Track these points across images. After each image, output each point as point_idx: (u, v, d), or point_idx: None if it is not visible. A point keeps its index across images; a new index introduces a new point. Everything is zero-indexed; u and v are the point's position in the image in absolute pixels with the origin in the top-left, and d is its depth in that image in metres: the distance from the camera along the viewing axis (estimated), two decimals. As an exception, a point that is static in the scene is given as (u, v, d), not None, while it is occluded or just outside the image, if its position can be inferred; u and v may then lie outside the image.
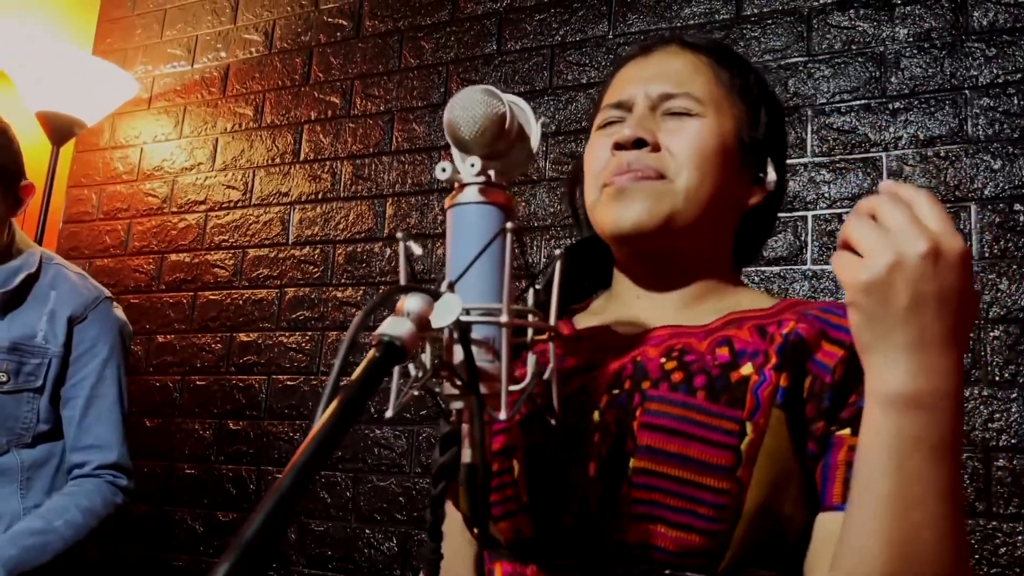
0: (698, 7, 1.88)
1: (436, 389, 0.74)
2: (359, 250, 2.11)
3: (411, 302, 0.68)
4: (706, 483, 0.72)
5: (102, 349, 1.60)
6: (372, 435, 1.98)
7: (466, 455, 0.74)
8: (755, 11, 1.82)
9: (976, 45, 1.63)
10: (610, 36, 1.96)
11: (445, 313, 0.67)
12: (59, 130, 2.30)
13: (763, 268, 1.69)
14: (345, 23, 2.30)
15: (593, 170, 0.88)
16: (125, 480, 1.58)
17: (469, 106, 0.77)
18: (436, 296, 0.69)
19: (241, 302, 2.23)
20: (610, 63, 1.94)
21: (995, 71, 1.60)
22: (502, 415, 0.70)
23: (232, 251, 2.28)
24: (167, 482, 2.18)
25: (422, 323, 0.67)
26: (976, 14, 1.64)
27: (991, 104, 1.59)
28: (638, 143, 0.83)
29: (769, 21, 1.81)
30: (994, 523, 1.45)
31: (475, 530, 0.87)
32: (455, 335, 0.69)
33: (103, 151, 2.56)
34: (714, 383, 0.76)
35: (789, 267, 1.67)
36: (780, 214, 1.67)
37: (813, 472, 0.74)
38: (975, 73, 1.62)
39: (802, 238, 1.68)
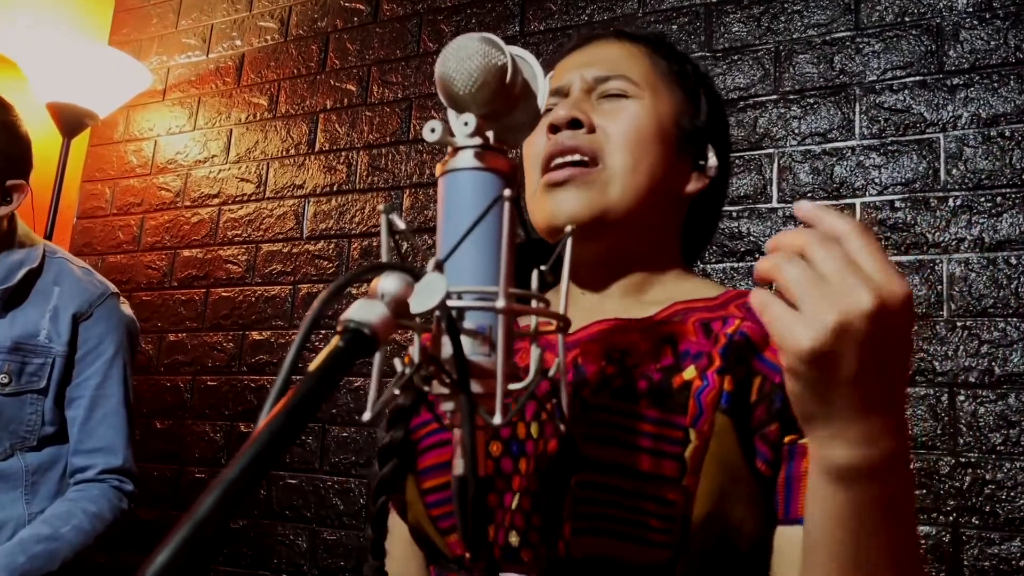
0: (735, -19, 1.75)
1: (425, 388, 0.63)
2: (375, 244, 2.01)
3: (387, 282, 0.57)
4: (652, 493, 0.69)
5: (108, 347, 1.52)
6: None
7: (456, 466, 0.64)
8: (797, -17, 1.69)
9: (1045, 13, 1.48)
10: (640, 14, 1.83)
11: (427, 296, 0.56)
12: (70, 122, 2.23)
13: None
14: (362, 7, 2.20)
15: (533, 155, 0.85)
16: (131, 485, 1.51)
17: (464, 57, 0.65)
18: (418, 276, 0.57)
19: (254, 299, 2.14)
20: (640, 43, 1.82)
21: (1067, 41, 1.45)
22: (496, 419, 0.58)
23: (245, 246, 2.19)
24: (177, 486, 2.10)
25: (400, 308, 0.56)
26: (1045, -20, 1.49)
27: (1063, 78, 1.44)
28: (573, 123, 0.81)
29: (813, -7, 1.67)
30: (1070, 543, 1.30)
31: (466, 554, 0.77)
32: (443, 324, 0.58)
33: (117, 144, 2.49)
34: (656, 388, 0.73)
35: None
36: (828, 201, 1.53)
37: (767, 477, 0.70)
38: (1044, 44, 1.47)
39: (850, 227, 1.54)
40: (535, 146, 0.85)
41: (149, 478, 2.07)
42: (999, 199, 1.45)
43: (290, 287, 2.10)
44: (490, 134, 0.65)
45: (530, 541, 0.72)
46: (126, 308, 1.58)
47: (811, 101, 1.62)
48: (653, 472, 0.69)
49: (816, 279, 0.53)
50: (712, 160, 0.88)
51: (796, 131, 1.62)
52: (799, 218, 0.56)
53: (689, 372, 0.73)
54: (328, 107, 2.17)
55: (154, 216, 2.36)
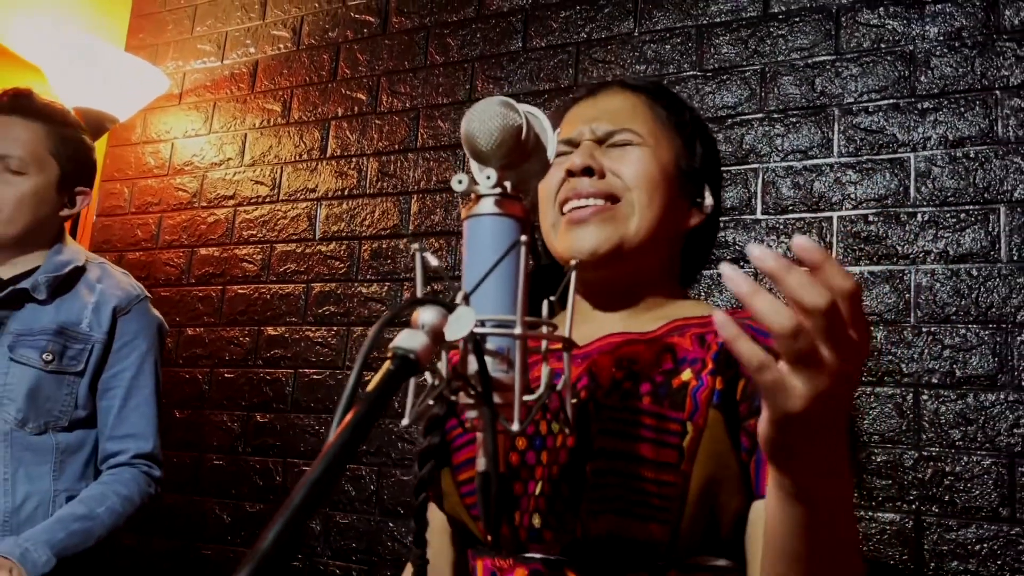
0: (724, 4, 1.87)
1: (451, 398, 0.75)
2: (384, 246, 2.14)
3: (426, 315, 0.69)
4: (655, 477, 0.81)
5: (142, 343, 1.65)
6: (396, 430, 2.00)
7: (479, 463, 0.76)
8: (782, 8, 1.81)
9: (1008, 44, 1.60)
10: (636, 34, 1.95)
11: (459, 326, 0.69)
12: (92, 125, 2.34)
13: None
14: (372, 19, 2.31)
15: (548, 194, 0.98)
16: (158, 471, 1.63)
17: (486, 118, 0.78)
18: (451, 308, 0.70)
19: (269, 296, 2.26)
20: (635, 61, 1.94)
21: (1027, 71, 1.57)
22: (515, 426, 0.71)
23: (260, 246, 2.31)
24: (196, 473, 2.22)
25: (437, 336, 0.69)
26: (1008, 12, 1.61)
27: (1022, 105, 1.57)
28: (587, 170, 0.93)
29: (796, 19, 1.79)
30: (1018, 529, 1.44)
31: (488, 537, 0.90)
32: (470, 346, 0.71)
33: (135, 146, 2.61)
34: (658, 389, 0.85)
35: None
36: (806, 214, 1.66)
37: (747, 464, 0.81)
38: (1006, 73, 1.59)
39: (827, 239, 1.67)
40: (550, 181, 0.97)
41: (169, 465, 2.19)
42: (963, 215, 1.58)
43: (303, 285, 2.22)
44: (507, 183, 0.78)
45: (551, 523, 0.84)
46: (156, 311, 1.71)
47: (793, 120, 1.75)
48: (656, 459, 0.81)
49: (813, 353, 0.56)
50: (708, 199, 1.01)
51: (779, 148, 1.75)
52: (800, 256, 0.56)
53: (686, 374, 0.85)
54: (339, 115, 2.29)
55: (172, 215, 2.47)
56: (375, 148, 2.21)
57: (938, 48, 1.65)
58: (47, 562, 1.38)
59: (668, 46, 1.91)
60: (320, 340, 2.16)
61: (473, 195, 0.79)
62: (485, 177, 0.77)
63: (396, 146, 2.18)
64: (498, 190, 0.77)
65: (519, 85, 2.06)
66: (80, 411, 1.59)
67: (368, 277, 2.14)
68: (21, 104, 1.62)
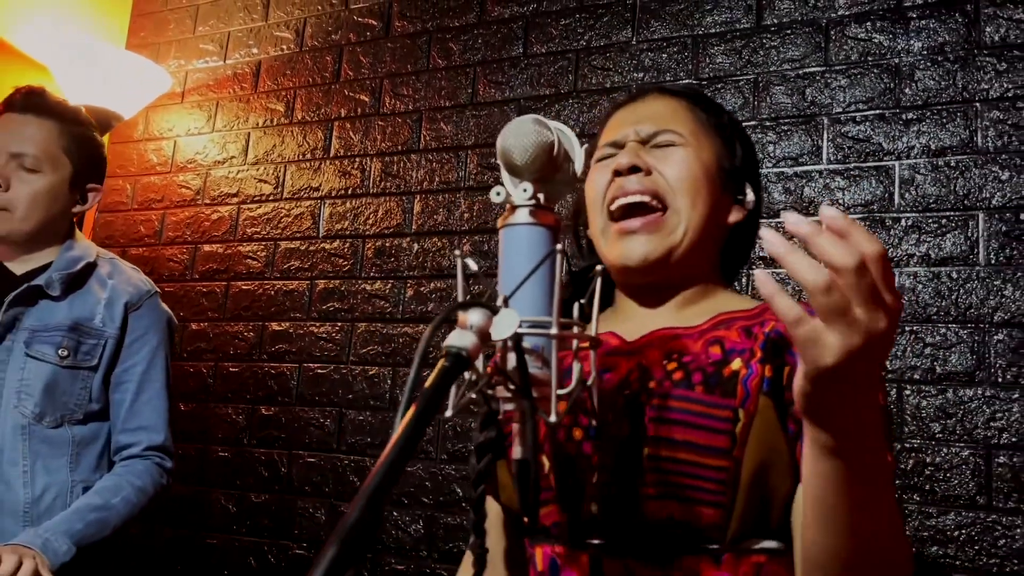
0: (719, 16, 1.95)
1: (489, 392, 0.83)
2: (388, 245, 2.20)
3: (473, 316, 0.76)
4: (709, 463, 0.85)
5: (152, 338, 1.69)
6: (400, 423, 2.07)
7: (516, 451, 0.83)
8: (775, 21, 1.89)
9: (987, 59, 1.69)
10: (633, 42, 2.03)
11: (504, 327, 0.76)
12: (98, 123, 2.36)
13: (778, 269, 1.77)
14: (375, 23, 2.37)
15: (595, 196, 1.03)
16: (170, 462, 1.68)
17: (521, 135, 0.86)
18: (495, 311, 0.77)
19: (273, 292, 2.32)
20: (633, 68, 2.01)
21: (1005, 85, 1.67)
22: (552, 417, 0.79)
23: (264, 243, 2.36)
24: (201, 464, 2.28)
25: (484, 335, 0.76)
26: (988, 29, 1.70)
27: (1000, 117, 1.66)
28: (633, 169, 0.99)
29: (788, 31, 1.87)
30: (994, 516, 1.53)
31: (525, 518, 0.97)
32: (510, 345, 0.78)
33: (137, 143, 2.65)
34: (709, 378, 0.90)
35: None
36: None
37: (795, 448, 0.85)
38: (986, 87, 1.68)
39: (816, 242, 1.75)
40: (596, 185, 1.02)
41: (175, 456, 2.25)
42: (943, 221, 1.67)
43: (308, 282, 2.28)
44: (541, 195, 0.85)
45: (609, 510, 0.89)
46: (166, 306, 1.76)
47: (785, 128, 1.84)
48: (708, 445, 0.86)
49: (846, 307, 0.60)
50: (750, 195, 1.06)
51: (771, 155, 1.83)
52: (828, 225, 0.61)
53: (736, 364, 0.90)
54: (342, 115, 2.35)
55: (175, 212, 2.52)
56: (378, 149, 2.27)
57: (922, 62, 1.75)
58: (67, 551, 1.43)
59: (665, 55, 1.99)
60: (324, 335, 2.22)
61: (509, 206, 0.86)
62: (522, 190, 0.84)
63: (399, 147, 2.25)
64: (532, 201, 0.85)
65: (520, 90, 2.13)
66: (94, 404, 1.63)
67: (372, 274, 2.20)
68: (34, 103, 1.65)
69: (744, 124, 1.84)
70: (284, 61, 2.48)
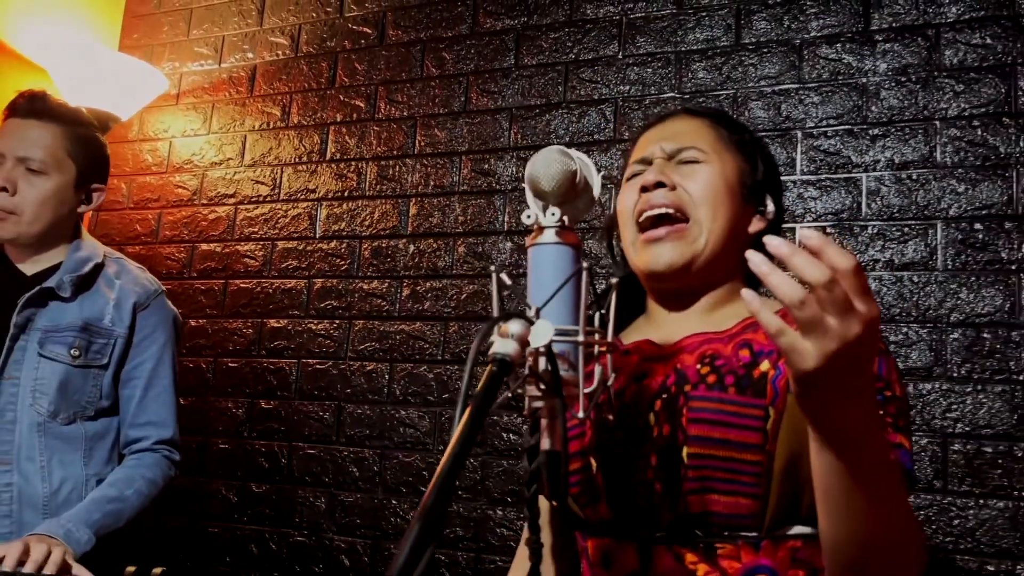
0: (701, 33, 2.08)
1: (519, 391, 0.94)
2: (384, 245, 2.30)
3: (514, 326, 0.88)
4: (744, 458, 0.95)
5: (160, 336, 1.76)
6: (398, 415, 2.18)
7: (544, 443, 0.95)
8: (752, 40, 2.03)
9: (947, 81, 1.85)
10: (620, 56, 2.15)
11: (541, 335, 0.88)
12: (96, 124, 2.44)
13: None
14: (369, 31, 2.46)
15: (626, 210, 1.13)
16: (178, 455, 1.76)
17: (548, 164, 0.97)
18: (531, 322, 0.89)
19: (271, 291, 2.41)
20: (620, 82, 2.14)
21: (962, 105, 1.82)
22: (580, 414, 0.91)
23: (262, 243, 2.45)
24: (203, 456, 2.36)
25: (523, 342, 0.88)
26: (948, 52, 1.86)
27: (958, 134, 1.82)
28: (659, 184, 1.09)
29: (765, 50, 2.01)
30: (949, 499, 1.69)
31: (554, 503, 1.08)
32: (542, 350, 0.89)
33: (132, 143, 2.71)
34: (741, 380, 0.99)
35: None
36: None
37: None
38: (945, 106, 1.84)
39: (790, 247, 1.90)
40: (627, 201, 1.12)
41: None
42: (906, 229, 1.83)
43: (305, 281, 2.37)
44: (565, 218, 0.97)
45: (654, 504, 0.98)
46: (172, 305, 1.84)
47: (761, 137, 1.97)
48: (743, 442, 0.93)
49: (819, 319, 0.68)
50: (771, 206, 1.15)
51: (749, 165, 1.97)
52: (803, 244, 0.70)
53: (764, 365, 0.97)
54: (338, 120, 2.44)
55: (171, 212, 2.59)
56: (374, 153, 2.37)
57: (887, 82, 1.89)
58: (88, 540, 1.50)
59: (650, 69, 2.12)
60: (323, 332, 2.32)
61: (537, 226, 0.97)
62: (550, 214, 0.96)
63: (395, 151, 2.35)
64: (558, 223, 0.96)
65: (512, 99, 2.24)
66: (104, 401, 1.70)
67: (369, 274, 2.30)
68: (37, 107, 1.70)
69: (724, 137, 1.98)
70: (280, 66, 2.56)
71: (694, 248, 1.07)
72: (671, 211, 1.08)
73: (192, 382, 2.43)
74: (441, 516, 0.69)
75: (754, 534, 0.95)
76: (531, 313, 0.92)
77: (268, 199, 2.48)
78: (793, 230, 1.90)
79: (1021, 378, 1.69)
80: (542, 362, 0.91)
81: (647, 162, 1.14)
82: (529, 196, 1.02)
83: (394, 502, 2.15)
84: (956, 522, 1.68)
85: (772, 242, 0.72)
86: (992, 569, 1.64)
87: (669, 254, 1.07)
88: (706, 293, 1.11)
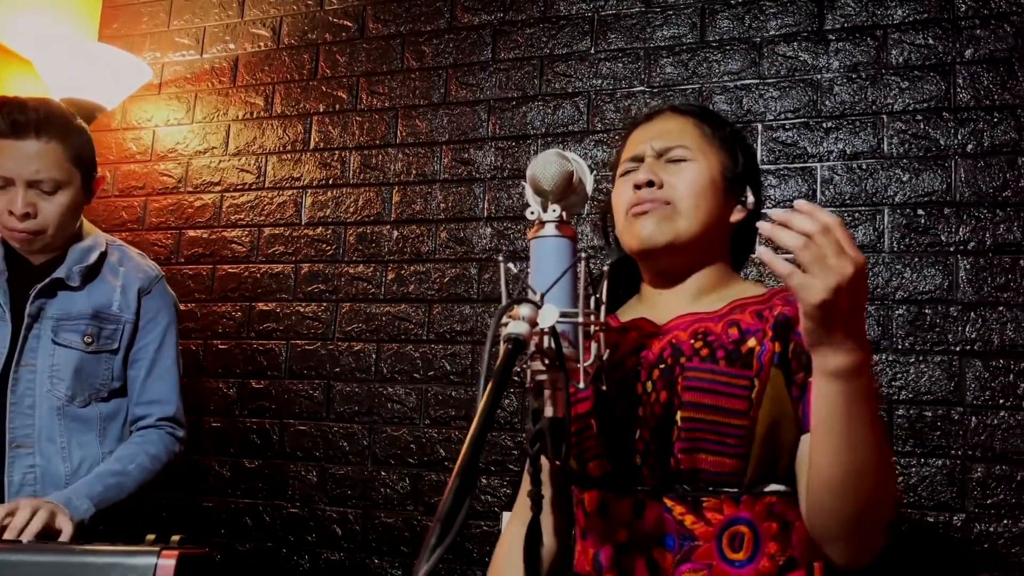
0: (668, 31, 2.22)
1: (524, 365, 1.08)
2: (369, 232, 2.41)
3: (524, 310, 1.01)
4: (731, 422, 1.08)
5: (163, 319, 1.86)
6: (385, 392, 2.30)
7: (548, 411, 1.09)
8: (716, 38, 2.17)
9: (893, 79, 2.01)
10: (592, 51, 2.28)
11: (548, 317, 1.01)
12: (82, 115, 2.49)
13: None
14: (350, 24, 2.55)
15: (620, 204, 1.26)
16: (182, 432, 1.86)
17: (547, 166, 1.10)
18: (538, 306, 1.02)
19: (259, 275, 2.51)
20: (592, 76, 2.27)
21: (907, 100, 1.99)
22: (580, 384, 1.04)
23: (248, 229, 2.54)
24: (195, 434, 2.46)
25: (532, 323, 1.01)
26: (895, 52, 2.02)
27: (903, 128, 1.99)
28: (649, 183, 1.21)
29: (728, 47, 2.16)
30: (893, 459, 1.88)
31: (556, 462, 1.22)
32: (547, 330, 1.03)
33: (115, 132, 2.77)
34: (731, 354, 1.13)
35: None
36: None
37: (797, 407, 1.09)
38: (891, 101, 2.01)
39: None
40: (621, 197, 1.24)
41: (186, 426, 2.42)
42: (856, 215, 2.00)
43: (292, 265, 2.48)
44: (564, 214, 1.10)
45: (649, 461, 1.12)
46: (170, 289, 1.93)
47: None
48: (731, 408, 1.07)
49: (821, 257, 0.87)
50: (750, 198, 1.28)
51: (713, 156, 2.12)
52: (800, 210, 0.89)
53: (751, 342, 1.11)
54: (321, 110, 2.53)
55: (157, 199, 2.67)
56: (357, 142, 2.48)
57: (839, 79, 2.06)
58: (87, 509, 1.58)
59: (620, 64, 2.25)
60: (311, 315, 2.43)
61: (538, 221, 1.10)
62: (551, 210, 1.09)
63: (377, 141, 2.45)
64: (557, 218, 1.10)
65: (489, 92, 2.36)
66: (116, 383, 1.80)
67: (354, 259, 2.42)
68: (27, 121, 1.68)
69: (691, 129, 2.12)
70: (262, 57, 2.64)
71: (675, 227, 1.19)
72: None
73: (184, 364, 2.51)
74: (475, 471, 0.82)
75: (735, 490, 1.08)
76: (535, 298, 1.06)
77: (254, 187, 2.57)
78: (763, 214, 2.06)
79: (958, 349, 1.88)
80: (547, 340, 1.04)
81: (639, 159, 1.25)
82: (529, 194, 1.15)
83: (383, 474, 2.28)
84: (900, 479, 1.87)
85: (773, 212, 0.93)
86: (932, 520, 1.83)
87: (652, 226, 1.19)
88: (693, 275, 1.23)
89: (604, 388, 1.19)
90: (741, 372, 1.10)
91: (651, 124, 1.30)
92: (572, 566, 1.26)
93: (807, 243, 0.88)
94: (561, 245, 1.09)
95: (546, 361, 1.05)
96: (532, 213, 1.10)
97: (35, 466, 1.69)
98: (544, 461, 1.28)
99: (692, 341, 1.16)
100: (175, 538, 1.35)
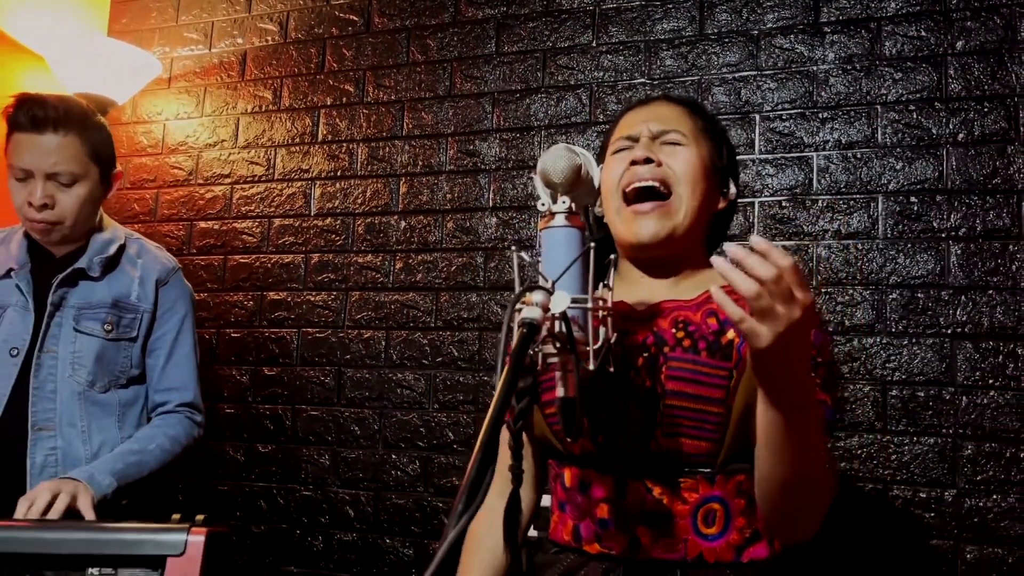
0: (668, 24, 2.28)
1: (536, 350, 1.14)
2: (376, 222, 2.48)
3: (537, 296, 1.08)
4: (710, 409, 1.15)
5: (180, 308, 1.92)
6: (395, 378, 2.37)
7: (559, 392, 1.15)
8: (715, 30, 2.23)
9: (887, 70, 2.07)
10: (594, 45, 2.34)
11: (559, 303, 1.08)
12: (95, 110, 2.55)
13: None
14: (356, 18, 2.61)
15: (612, 181, 1.29)
16: (200, 416, 1.93)
17: (557, 160, 1.16)
18: (550, 292, 1.09)
19: (269, 265, 2.57)
20: (595, 68, 2.33)
21: (900, 91, 2.05)
22: (591, 366, 1.11)
23: (259, 220, 2.61)
24: (211, 420, 2.52)
25: (545, 309, 1.07)
26: (888, 44, 2.08)
27: (896, 117, 2.05)
28: (647, 160, 1.26)
29: (726, 40, 2.22)
30: (888, 437, 1.95)
31: (569, 439, 1.28)
32: (557, 315, 1.09)
33: (126, 125, 2.82)
34: (711, 345, 1.19)
35: (740, 243, 2.12)
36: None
37: None
38: (885, 92, 2.07)
39: (751, 220, 2.12)
40: (613, 173, 1.28)
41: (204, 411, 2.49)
42: (851, 203, 2.06)
43: (302, 255, 2.54)
44: (573, 205, 1.17)
45: (631, 442, 1.18)
46: (186, 280, 1.99)
47: (724, 124, 2.18)
48: (710, 396, 1.13)
49: (770, 307, 0.89)
50: (732, 189, 1.34)
51: (712, 146, 2.18)
52: (755, 248, 0.90)
53: (731, 334, 1.16)
54: (328, 103, 2.59)
55: (168, 191, 2.73)
56: (364, 135, 2.53)
57: (834, 70, 2.12)
58: (110, 484, 1.65)
59: (621, 57, 2.31)
60: (321, 303, 2.49)
61: (548, 212, 1.17)
62: (562, 202, 1.16)
63: (384, 133, 2.51)
64: (565, 208, 1.16)
65: (494, 84, 2.42)
66: (134, 370, 1.87)
67: (363, 248, 2.48)
68: (47, 116, 1.74)
69: (691, 120, 2.19)
70: (269, 51, 2.69)
71: (675, 221, 1.24)
72: (656, 184, 1.25)
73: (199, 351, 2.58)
74: (496, 444, 0.89)
75: (709, 470, 1.16)
76: (547, 285, 1.12)
77: (263, 179, 2.63)
78: (753, 204, 2.13)
79: (949, 332, 1.95)
80: (558, 325, 1.11)
81: (634, 139, 1.30)
82: (539, 187, 1.21)
83: (394, 456, 2.35)
84: (894, 457, 1.94)
85: (728, 248, 0.95)
86: (924, 496, 1.91)
87: (654, 227, 1.24)
88: (678, 264, 1.29)
89: (612, 369, 1.25)
90: (721, 364, 1.16)
91: (645, 108, 1.35)
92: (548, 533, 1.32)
93: (759, 292, 0.90)
94: (571, 235, 1.16)
95: (557, 344, 1.12)
96: (543, 205, 1.16)
97: (56, 448, 1.74)
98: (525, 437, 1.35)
99: (674, 331, 1.21)
100: (199, 517, 1.41)
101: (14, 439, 1.73)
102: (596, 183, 1.22)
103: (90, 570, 1.30)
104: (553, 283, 1.14)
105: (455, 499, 0.78)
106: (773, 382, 0.99)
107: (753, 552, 1.18)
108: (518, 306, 1.06)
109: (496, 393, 0.93)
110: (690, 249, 1.30)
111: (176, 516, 1.46)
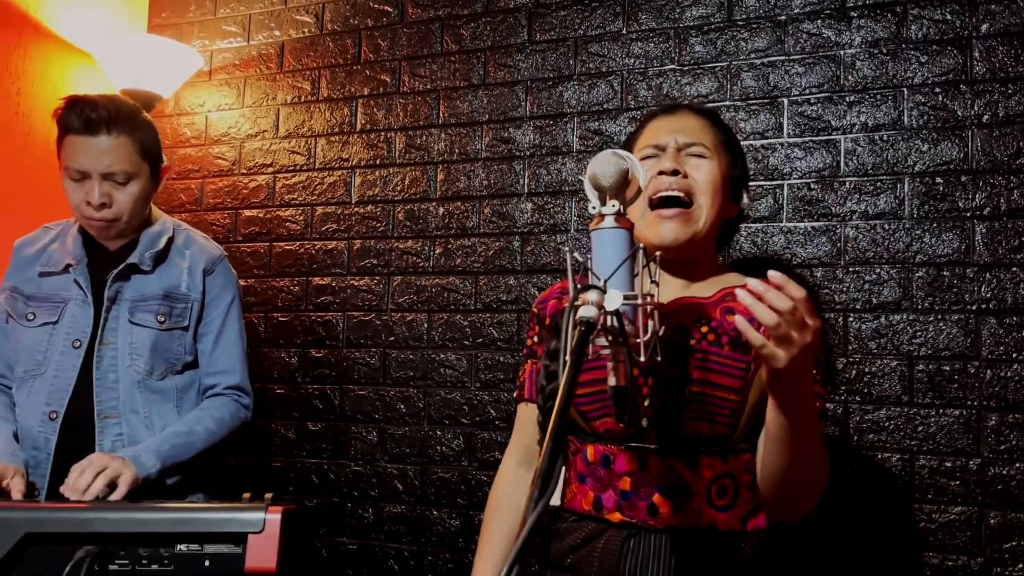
0: (696, 11, 2.33)
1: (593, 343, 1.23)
2: (416, 208, 2.57)
3: (591, 295, 1.17)
4: (729, 397, 1.30)
5: (226, 296, 2.02)
6: (438, 358, 2.48)
7: (611, 380, 1.25)
8: (743, 17, 2.29)
9: (913, 53, 2.13)
10: (624, 32, 2.40)
11: (613, 300, 1.17)
12: (142, 105, 2.64)
13: (750, 224, 2.21)
14: (390, 9, 2.68)
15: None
16: (247, 399, 2.03)
17: (606, 166, 1.25)
18: (603, 291, 1.18)
19: (314, 251, 2.68)
20: (625, 55, 2.39)
21: (926, 74, 2.11)
22: (642, 358, 1.21)
23: (302, 208, 2.71)
24: (261, 401, 2.65)
25: (599, 307, 1.17)
26: (914, 27, 2.13)
27: (922, 100, 2.11)
28: (675, 171, 1.39)
29: (754, 26, 2.27)
30: (914, 410, 2.04)
31: (620, 424, 1.39)
32: (610, 311, 1.19)
33: (169, 117, 2.92)
34: (733, 340, 1.33)
35: (770, 224, 2.20)
36: (764, 183, 2.16)
37: None
38: (911, 75, 2.12)
39: (779, 202, 2.20)
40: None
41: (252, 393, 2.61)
42: (878, 184, 2.13)
43: (345, 242, 2.64)
44: (621, 208, 1.25)
45: (655, 424, 1.32)
46: (232, 268, 2.09)
47: (753, 108, 2.25)
48: (730, 386, 1.29)
49: (787, 335, 1.07)
50: (745, 199, 1.49)
51: (742, 130, 2.25)
52: (772, 281, 1.07)
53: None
54: (366, 93, 2.67)
55: (213, 181, 2.83)
56: (401, 124, 2.62)
57: (861, 54, 2.17)
58: (153, 465, 1.75)
59: (652, 44, 2.37)
60: (364, 288, 2.60)
61: (598, 215, 1.26)
62: (610, 205, 1.24)
63: (421, 122, 2.60)
64: (614, 210, 1.25)
65: (526, 73, 2.49)
66: (188, 356, 1.97)
67: (403, 234, 2.58)
68: (99, 118, 1.81)
69: (718, 105, 2.25)
70: (307, 43, 2.77)
71: (696, 227, 1.39)
72: (680, 195, 1.39)
73: (248, 335, 2.70)
74: (564, 434, 0.99)
75: (722, 449, 1.32)
76: (599, 283, 1.21)
77: (304, 168, 2.72)
78: (782, 187, 2.20)
79: (974, 308, 2.02)
80: (611, 320, 1.20)
81: (661, 148, 1.43)
82: (589, 190, 1.29)
83: (439, 433, 2.47)
84: (920, 428, 2.03)
85: (750, 283, 1.11)
86: (949, 465, 2.00)
87: (675, 231, 1.38)
88: (695, 265, 1.43)
89: (659, 359, 1.35)
90: (742, 357, 1.32)
91: (672, 117, 1.47)
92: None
93: (779, 323, 1.07)
94: (620, 236, 1.25)
95: (609, 337, 1.21)
96: (593, 208, 1.25)
97: (123, 434, 1.85)
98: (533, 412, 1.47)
99: (698, 325, 1.36)
100: (268, 496, 1.52)
101: (84, 426, 1.85)
102: (642, 184, 1.30)
103: (179, 546, 1.42)
104: (605, 281, 1.24)
105: (530, 486, 0.88)
106: (785, 394, 1.17)
107: (755, 522, 1.34)
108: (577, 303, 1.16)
109: (560, 389, 1.03)
110: (705, 252, 1.45)
111: (246, 495, 1.56)
